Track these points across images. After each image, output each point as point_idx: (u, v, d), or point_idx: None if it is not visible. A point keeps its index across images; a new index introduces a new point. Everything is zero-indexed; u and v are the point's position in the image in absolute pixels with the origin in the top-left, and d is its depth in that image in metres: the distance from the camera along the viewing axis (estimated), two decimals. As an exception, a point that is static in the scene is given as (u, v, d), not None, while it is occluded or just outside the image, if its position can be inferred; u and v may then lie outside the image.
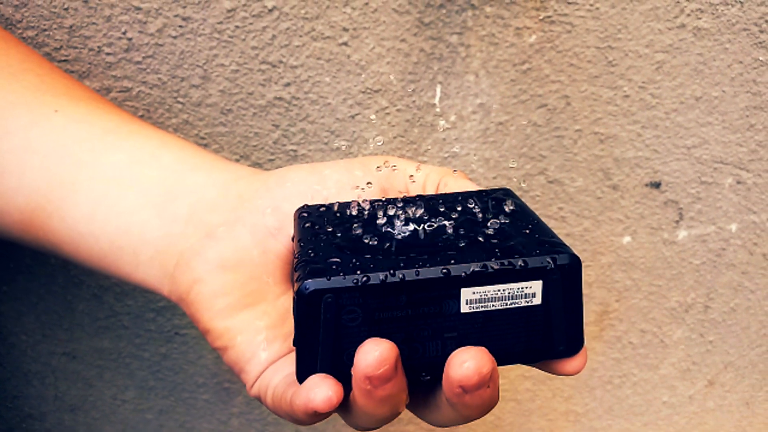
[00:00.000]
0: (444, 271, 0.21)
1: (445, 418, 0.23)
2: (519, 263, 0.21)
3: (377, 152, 0.40)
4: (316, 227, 0.24)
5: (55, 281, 0.41)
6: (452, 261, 0.21)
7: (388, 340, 0.20)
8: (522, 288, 0.21)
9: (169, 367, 0.44)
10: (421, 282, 0.21)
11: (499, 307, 0.21)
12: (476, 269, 0.21)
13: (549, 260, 0.21)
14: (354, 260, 0.21)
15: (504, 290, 0.21)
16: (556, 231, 0.44)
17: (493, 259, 0.21)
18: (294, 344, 0.21)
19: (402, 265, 0.21)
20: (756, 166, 0.45)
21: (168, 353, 0.44)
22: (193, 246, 0.25)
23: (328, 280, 0.21)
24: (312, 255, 0.22)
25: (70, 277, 0.41)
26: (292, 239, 0.25)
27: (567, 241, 0.41)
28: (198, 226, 0.26)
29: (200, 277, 0.25)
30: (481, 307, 0.21)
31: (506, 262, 0.21)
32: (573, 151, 0.42)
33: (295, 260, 0.22)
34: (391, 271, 0.21)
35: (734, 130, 0.44)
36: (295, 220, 0.25)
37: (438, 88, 0.40)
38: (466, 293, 0.21)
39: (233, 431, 0.47)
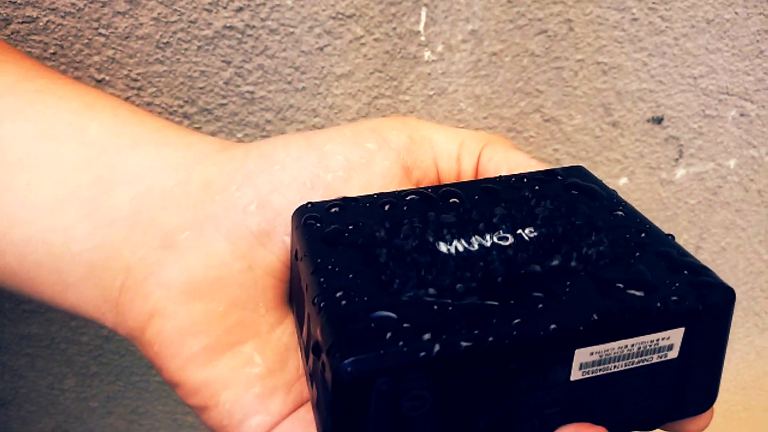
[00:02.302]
0: (553, 327, 0.14)
1: None
2: (656, 306, 0.15)
3: (351, 91, 0.34)
4: (337, 245, 0.16)
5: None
6: (559, 309, 0.14)
7: None
8: (656, 341, 0.15)
9: (113, 350, 0.38)
10: (521, 346, 0.14)
11: (622, 369, 0.15)
12: (597, 320, 0.14)
13: (697, 299, 0.15)
14: (414, 314, 0.14)
15: (632, 346, 0.15)
16: (550, 175, 0.40)
17: (617, 301, 0.15)
18: None
19: (489, 321, 0.14)
20: (761, 97, 0.41)
21: (110, 335, 0.37)
22: (145, 261, 0.18)
23: (382, 354, 0.13)
24: (344, 303, 0.14)
25: (-20, 254, 0.34)
26: (294, 256, 0.18)
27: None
28: (149, 230, 0.18)
29: (159, 307, 0.18)
30: (599, 371, 0.15)
31: (639, 306, 0.15)
32: (573, 84, 0.37)
33: (318, 311, 0.15)
34: (476, 332, 0.14)
35: (743, 57, 0.39)
36: (296, 228, 0.18)
37: (423, 12, 0.33)
38: (582, 355, 0.15)
39: (192, 412, 0.42)
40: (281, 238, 0.19)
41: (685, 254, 0.17)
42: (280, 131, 0.34)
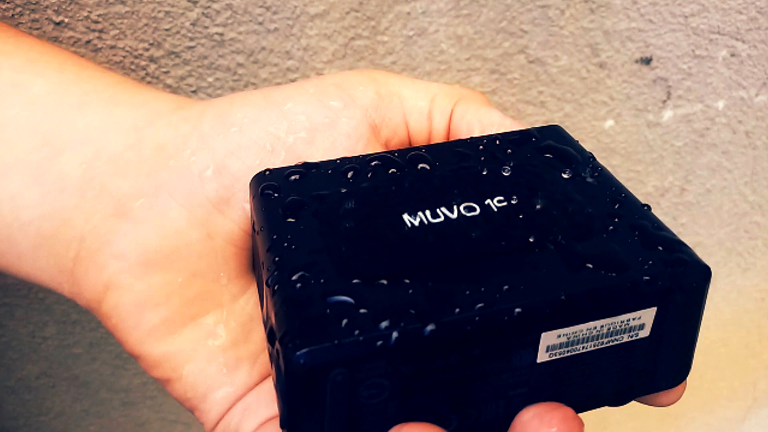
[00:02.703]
0: (518, 311, 0.13)
1: None
2: (627, 286, 0.14)
3: (327, 32, 0.32)
4: (293, 218, 0.16)
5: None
6: (525, 291, 0.14)
7: (434, 428, 0.13)
8: (627, 321, 0.14)
9: (92, 299, 0.38)
10: (484, 332, 0.13)
11: (591, 349, 0.15)
12: (564, 302, 0.13)
13: (670, 279, 0.14)
14: (372, 298, 0.13)
15: (602, 327, 0.14)
16: (533, 119, 0.39)
17: (586, 281, 0.14)
18: (282, 426, 0.15)
19: (451, 305, 0.13)
20: (753, 36, 0.40)
21: (88, 284, 0.37)
22: (98, 230, 0.17)
23: (337, 345, 0.13)
24: (299, 286, 0.14)
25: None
26: (253, 227, 0.17)
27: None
28: (101, 197, 0.17)
29: (114, 280, 0.17)
30: (567, 352, 0.14)
31: (610, 287, 0.14)
32: (559, 23, 0.36)
33: (272, 294, 0.14)
34: (436, 319, 0.13)
35: (737, -7, 0.38)
36: (253, 197, 0.17)
37: (401, -53, 0.31)
38: (548, 338, 0.14)
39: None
40: (241, 205, 0.18)
41: (661, 227, 0.16)
42: (253, 74, 0.33)
